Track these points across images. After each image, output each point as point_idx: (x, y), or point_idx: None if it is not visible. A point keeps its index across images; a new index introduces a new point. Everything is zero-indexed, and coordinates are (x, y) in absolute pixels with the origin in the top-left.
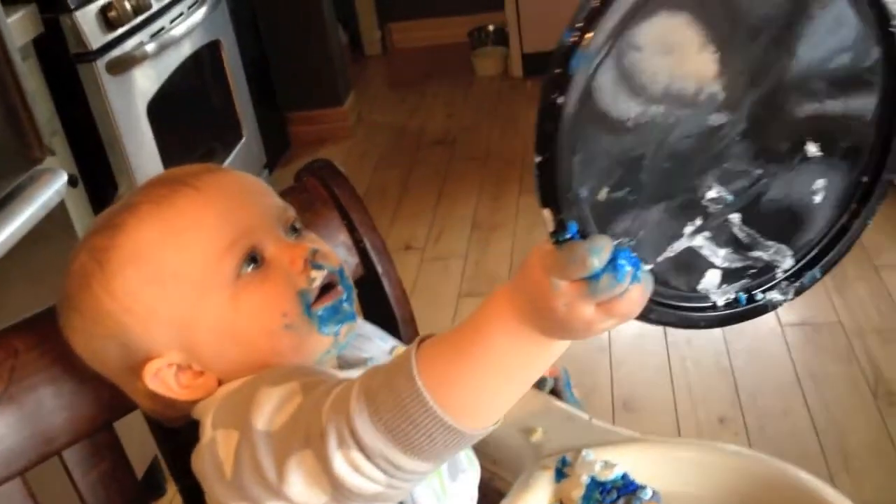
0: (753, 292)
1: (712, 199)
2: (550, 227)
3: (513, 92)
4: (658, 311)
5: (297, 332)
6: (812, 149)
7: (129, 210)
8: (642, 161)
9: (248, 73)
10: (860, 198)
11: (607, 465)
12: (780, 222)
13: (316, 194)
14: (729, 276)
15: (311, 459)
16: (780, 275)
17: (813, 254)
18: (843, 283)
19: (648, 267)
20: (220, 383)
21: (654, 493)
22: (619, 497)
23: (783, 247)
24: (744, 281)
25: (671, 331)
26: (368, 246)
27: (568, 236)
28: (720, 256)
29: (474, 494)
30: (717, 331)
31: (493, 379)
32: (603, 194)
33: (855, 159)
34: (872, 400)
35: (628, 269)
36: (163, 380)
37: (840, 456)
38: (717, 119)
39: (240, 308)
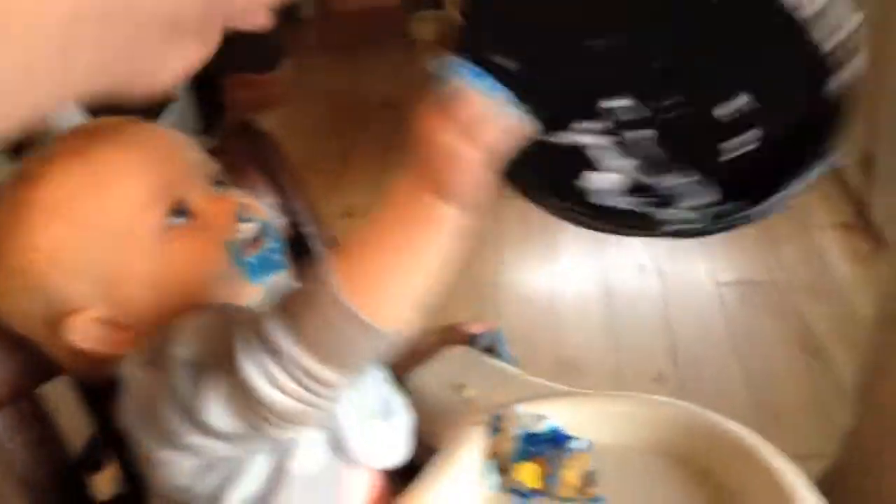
0: (651, 210)
1: (625, 108)
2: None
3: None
4: (534, 181)
5: (229, 282)
6: (744, 99)
7: (49, 161)
8: (564, 53)
9: None
10: (797, 163)
11: (538, 418)
12: (701, 157)
13: (240, 156)
14: (629, 188)
15: (228, 380)
16: (694, 201)
17: (729, 200)
18: (775, 243)
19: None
20: (146, 336)
21: (586, 444)
22: (551, 448)
23: (698, 179)
24: (645, 199)
25: (611, 291)
26: (295, 206)
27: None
28: (622, 164)
29: (407, 442)
30: (654, 289)
31: (401, 263)
32: (511, 67)
33: (787, 113)
34: (803, 355)
35: (495, 93)
36: (87, 334)
37: (772, 410)
38: (648, 35)
39: (169, 260)
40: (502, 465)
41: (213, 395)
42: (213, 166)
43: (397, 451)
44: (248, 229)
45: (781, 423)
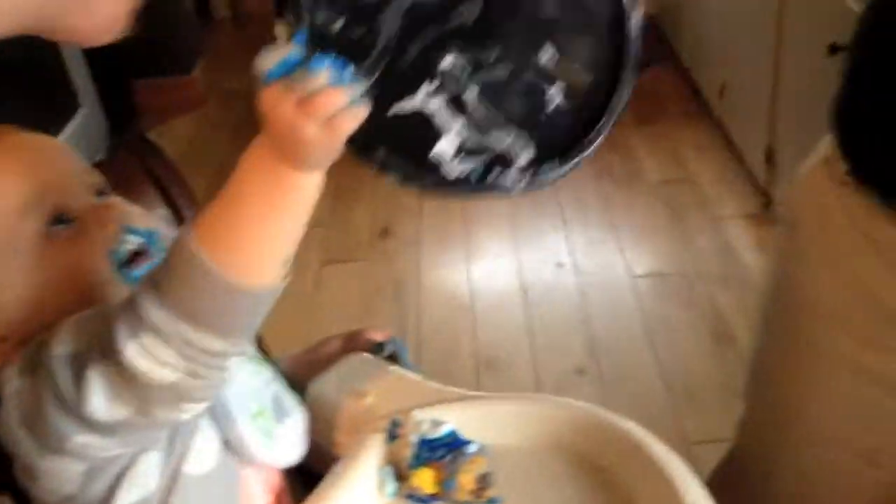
0: (487, 173)
1: (447, 69)
2: (282, 38)
3: None
4: (384, 153)
5: (112, 290)
6: (546, 54)
7: None
8: (380, 10)
9: None
10: (598, 108)
11: (435, 423)
12: (520, 113)
13: (131, 171)
14: (465, 151)
15: (108, 365)
16: (517, 163)
17: (552, 152)
18: (687, 235)
19: (363, 85)
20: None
21: (480, 446)
22: (447, 453)
23: (522, 137)
24: (480, 160)
25: (530, 288)
26: (187, 219)
27: (297, 40)
28: (455, 129)
29: (301, 440)
30: (571, 284)
31: (258, 224)
32: (338, 25)
33: (591, 74)
34: (714, 343)
35: (324, 65)
36: None
37: (686, 396)
38: None
39: (48, 268)
40: (400, 471)
41: (94, 384)
42: (95, 176)
43: (292, 450)
44: (131, 240)
45: (696, 408)
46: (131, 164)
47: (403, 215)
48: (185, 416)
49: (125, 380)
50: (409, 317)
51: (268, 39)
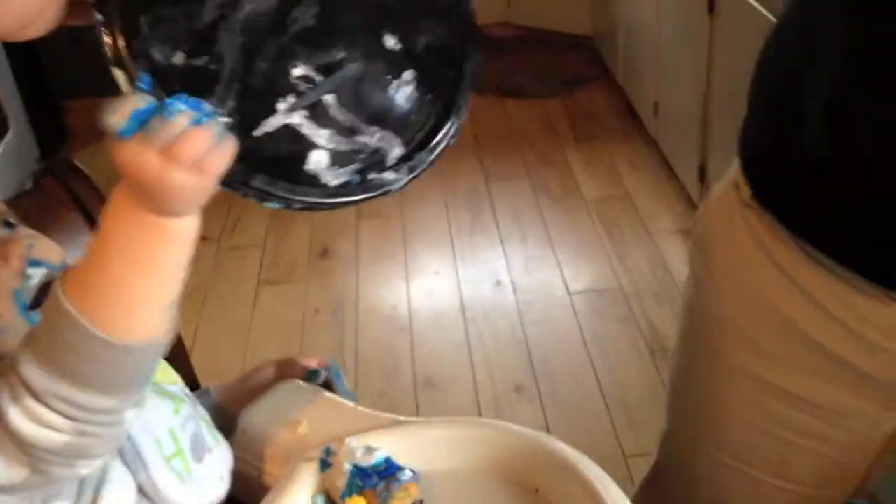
0: (366, 174)
1: (300, 78)
2: (124, 88)
3: None
4: (259, 180)
5: (11, 336)
6: (391, 41)
7: None
8: (216, 32)
9: (13, 60)
10: (451, 86)
11: (369, 451)
12: (379, 108)
13: (55, 196)
14: (339, 158)
15: None
16: (391, 160)
17: (419, 138)
18: (623, 250)
19: (221, 115)
20: None
21: (413, 473)
22: (380, 481)
23: (388, 132)
24: (356, 164)
25: (469, 307)
26: None
27: (141, 87)
28: (324, 137)
29: (224, 474)
30: (510, 302)
31: (129, 276)
32: (179, 58)
33: (439, 56)
34: (650, 356)
35: (181, 108)
36: None
37: (624, 410)
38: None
39: None
40: (333, 500)
41: None
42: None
43: (213, 489)
44: (36, 274)
45: (633, 421)
46: (56, 189)
47: (341, 234)
48: (86, 471)
49: (15, 443)
50: (347, 338)
51: None
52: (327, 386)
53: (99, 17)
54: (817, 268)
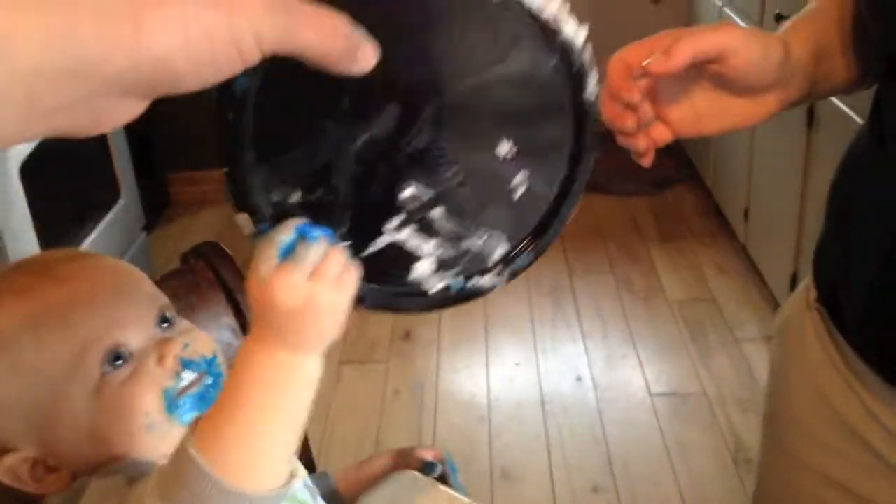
0: (468, 278)
1: (410, 198)
2: (248, 230)
3: None
4: (373, 296)
5: (158, 433)
6: (505, 148)
7: (23, 293)
8: (331, 167)
9: (127, 132)
10: (564, 185)
11: None
12: (489, 210)
13: (202, 277)
14: (443, 265)
15: None
16: (493, 260)
17: (526, 239)
18: (708, 356)
19: (346, 243)
20: (74, 477)
21: None
22: None
23: (496, 232)
24: (458, 268)
25: (549, 400)
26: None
27: (262, 230)
28: (430, 248)
29: None
30: (591, 400)
31: (261, 421)
32: (296, 197)
33: (554, 150)
34: (733, 466)
35: (318, 233)
36: (16, 473)
37: None
38: (398, 126)
39: (101, 408)
40: None
41: None
42: (161, 302)
43: None
44: (188, 377)
45: None
46: (203, 269)
47: (423, 318)
48: None
49: None
50: (425, 422)
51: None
52: (442, 480)
53: (224, 169)
54: (873, 380)
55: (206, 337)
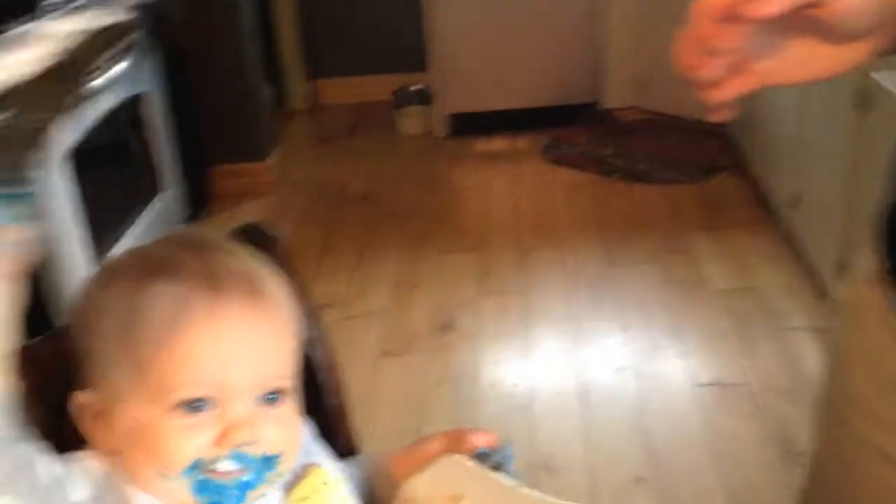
0: None
1: None
2: None
3: (435, 151)
4: None
5: (164, 485)
6: None
7: (175, 275)
8: None
9: (173, 125)
10: None
11: None
12: None
13: None
14: None
15: None
16: None
17: None
18: (752, 346)
19: None
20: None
21: None
22: None
23: None
24: None
25: (589, 391)
26: (300, 311)
27: None
28: None
29: None
30: (633, 391)
31: None
32: None
33: None
34: (778, 458)
35: None
36: (81, 412)
37: None
38: None
39: (158, 430)
40: None
41: None
42: (270, 384)
43: None
44: (227, 466)
45: None
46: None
47: (462, 309)
48: None
49: None
50: (464, 413)
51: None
52: (494, 467)
53: None
54: None
55: (283, 436)
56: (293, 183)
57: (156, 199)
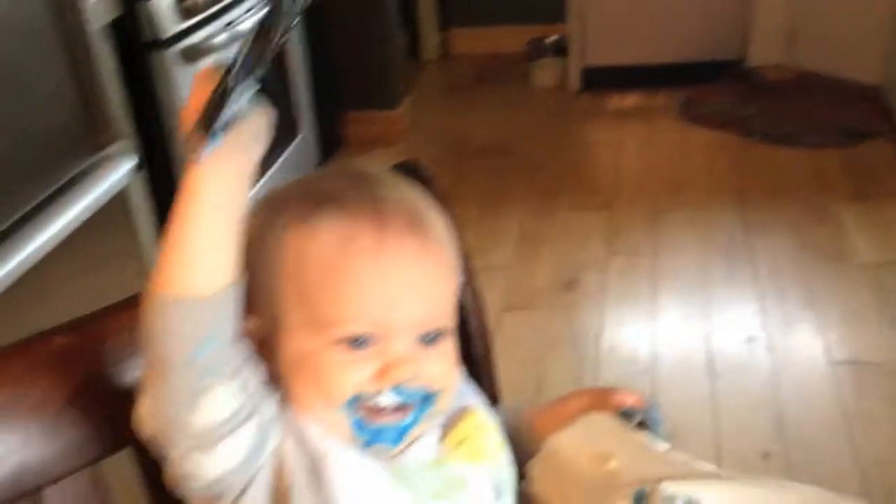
0: None
1: None
2: None
3: (568, 105)
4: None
5: (320, 418)
6: None
7: (341, 207)
8: None
9: (309, 70)
10: None
11: (688, 501)
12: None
13: None
14: None
15: None
16: None
17: None
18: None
19: None
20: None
21: None
22: None
23: None
24: None
25: (717, 360)
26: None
27: None
28: None
29: None
30: (764, 363)
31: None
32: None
33: None
34: None
35: None
36: (248, 336)
37: (885, 497)
38: None
39: (307, 356)
40: None
41: None
42: (430, 326)
43: None
44: (386, 400)
45: None
46: None
47: (589, 268)
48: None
49: None
50: (585, 373)
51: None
52: (640, 426)
53: None
54: None
55: (443, 373)
56: (423, 132)
57: (291, 143)
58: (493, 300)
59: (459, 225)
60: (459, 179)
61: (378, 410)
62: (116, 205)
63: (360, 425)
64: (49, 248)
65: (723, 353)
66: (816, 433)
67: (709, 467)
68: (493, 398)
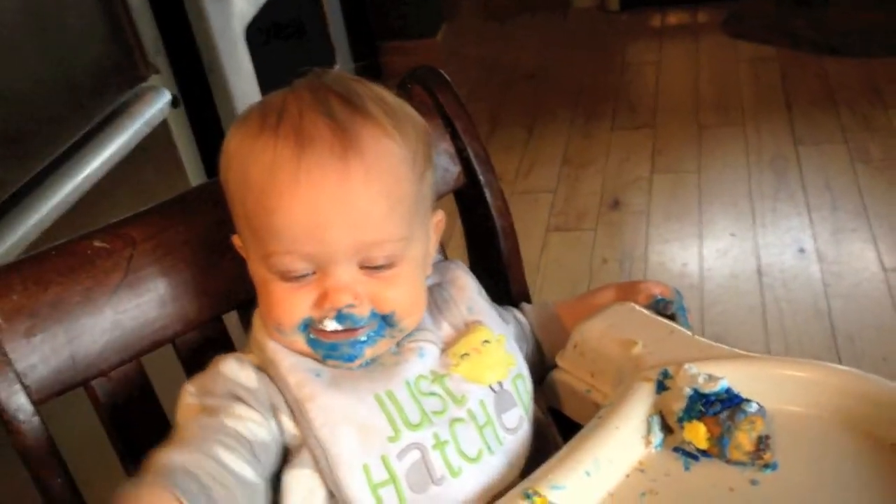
0: None
1: None
2: None
3: (608, 25)
4: None
5: (282, 336)
6: None
7: (275, 132)
8: None
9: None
10: None
11: (711, 378)
12: None
13: (419, 101)
14: None
15: None
16: None
17: None
18: None
19: None
20: None
21: (760, 406)
22: (722, 409)
23: None
24: None
25: (767, 272)
26: (471, 154)
27: None
28: None
29: (525, 451)
30: (815, 273)
31: None
32: None
33: None
34: None
35: None
36: (240, 251)
37: None
38: None
39: (262, 289)
40: (668, 423)
41: None
42: (375, 254)
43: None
44: (332, 325)
45: None
46: (423, 95)
47: (633, 186)
48: None
49: None
50: None
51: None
52: (668, 316)
53: None
54: None
55: (403, 292)
56: (461, 60)
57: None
58: (539, 221)
59: (505, 148)
60: (501, 105)
61: (327, 333)
62: (159, 136)
63: (314, 343)
64: (97, 177)
65: (773, 267)
66: (870, 341)
67: (728, 349)
68: (522, 296)
